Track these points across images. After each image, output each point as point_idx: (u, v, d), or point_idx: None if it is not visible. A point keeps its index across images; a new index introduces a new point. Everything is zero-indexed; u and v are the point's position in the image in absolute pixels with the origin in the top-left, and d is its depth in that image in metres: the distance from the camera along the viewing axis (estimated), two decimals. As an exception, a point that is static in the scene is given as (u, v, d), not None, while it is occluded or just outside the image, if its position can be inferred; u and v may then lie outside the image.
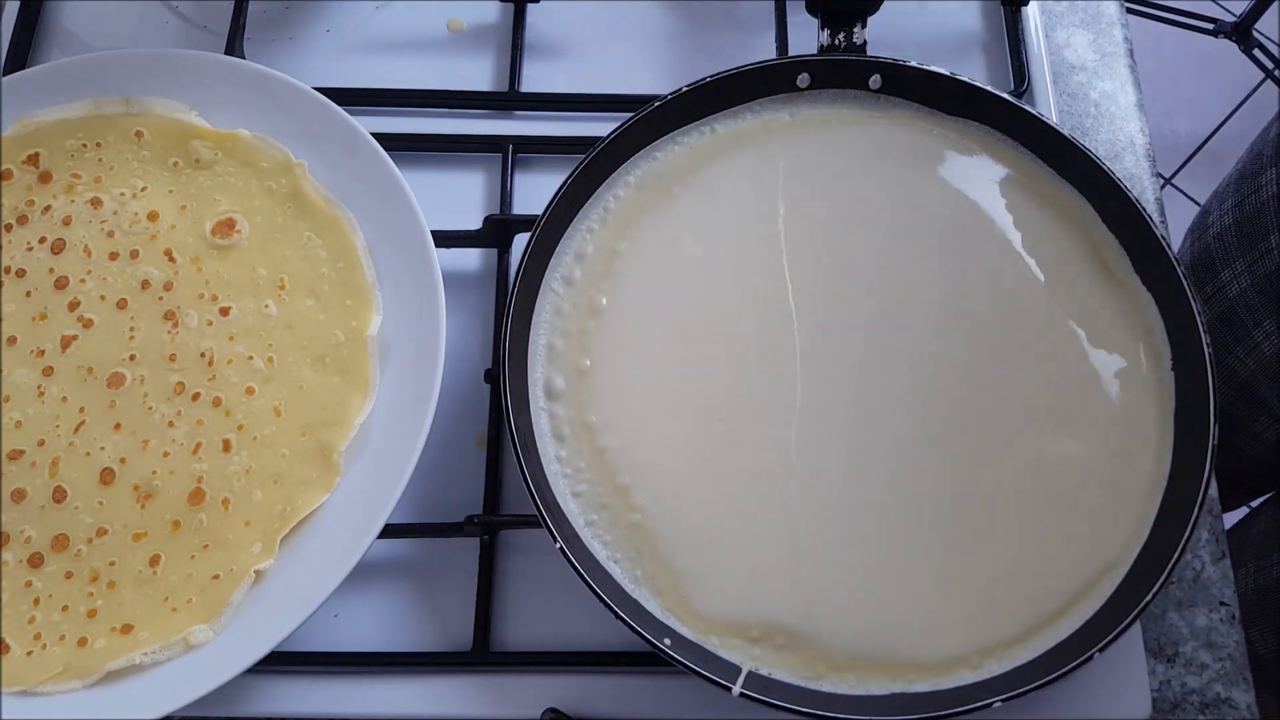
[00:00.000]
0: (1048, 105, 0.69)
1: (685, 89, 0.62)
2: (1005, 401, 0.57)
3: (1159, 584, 0.51)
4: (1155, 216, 0.69)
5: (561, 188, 0.60)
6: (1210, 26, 1.70)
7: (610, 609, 0.51)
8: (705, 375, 0.58)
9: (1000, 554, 0.55)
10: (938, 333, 0.59)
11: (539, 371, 0.58)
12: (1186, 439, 0.56)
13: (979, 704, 0.50)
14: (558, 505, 0.55)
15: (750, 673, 0.52)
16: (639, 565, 0.55)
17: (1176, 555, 0.52)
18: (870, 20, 0.65)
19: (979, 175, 0.62)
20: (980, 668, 0.53)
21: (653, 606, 0.54)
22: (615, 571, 0.55)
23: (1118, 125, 0.72)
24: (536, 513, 0.53)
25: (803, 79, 0.64)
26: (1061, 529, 0.55)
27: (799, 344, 0.58)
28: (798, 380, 0.58)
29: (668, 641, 0.52)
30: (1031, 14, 0.72)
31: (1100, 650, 0.50)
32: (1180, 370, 0.58)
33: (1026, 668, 0.52)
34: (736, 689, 0.50)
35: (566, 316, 0.60)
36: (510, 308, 0.57)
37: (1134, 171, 0.70)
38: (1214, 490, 0.62)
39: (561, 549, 0.52)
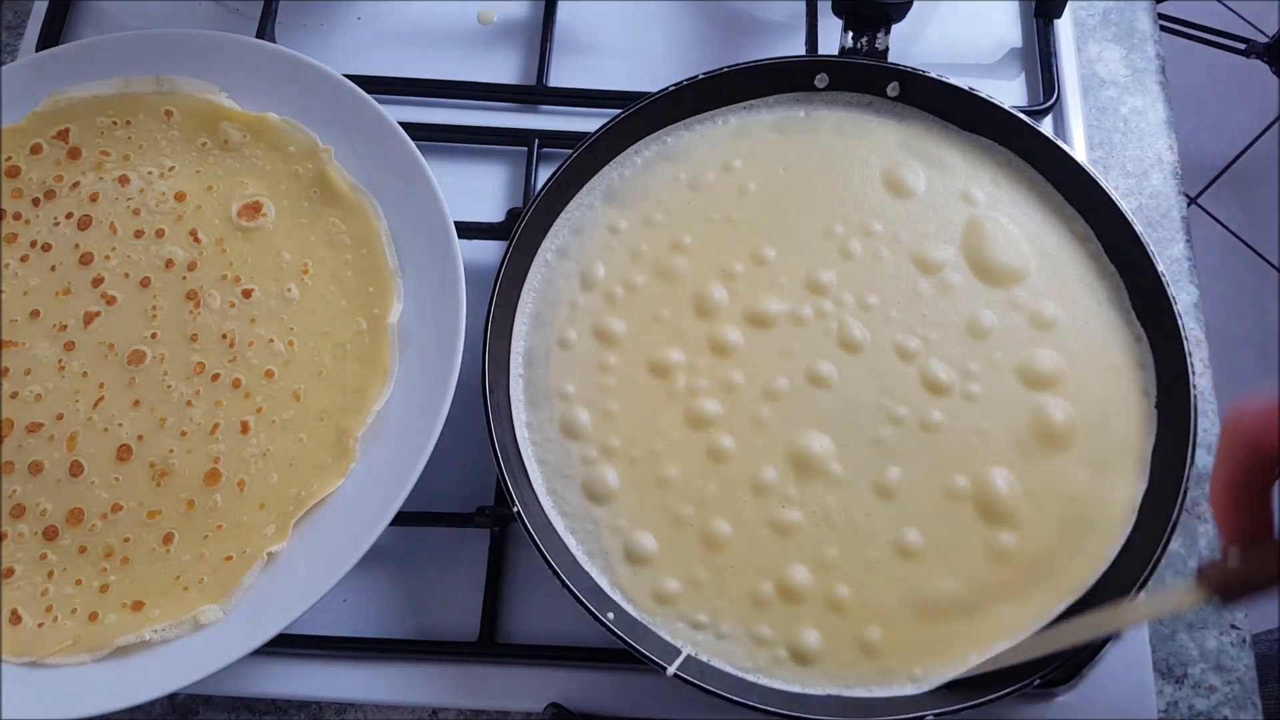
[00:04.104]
0: (1076, 119, 0.69)
1: (701, 76, 0.63)
2: (976, 430, 0.57)
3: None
4: (1180, 236, 0.68)
5: (567, 160, 0.60)
6: (1242, 47, 1.69)
7: (556, 574, 0.52)
8: (683, 360, 0.58)
9: (959, 576, 0.54)
10: (924, 346, 0.58)
11: (521, 340, 0.59)
12: (1159, 482, 0.55)
13: (913, 715, 0.50)
14: (524, 470, 0.56)
15: (689, 656, 0.52)
16: (595, 539, 0.55)
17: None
18: (905, 24, 0.64)
19: (986, 194, 0.62)
20: (920, 680, 0.53)
21: (603, 582, 0.55)
22: (571, 543, 0.55)
23: (1146, 142, 0.71)
24: (498, 473, 0.54)
25: (821, 79, 0.64)
26: (1027, 559, 0.54)
27: (779, 336, 0.59)
28: (774, 372, 0.58)
29: (610, 616, 0.52)
30: (1064, 27, 0.72)
31: (1042, 678, 0.50)
32: (1164, 409, 0.57)
33: (965, 686, 0.52)
34: (671, 669, 0.51)
35: (556, 287, 0.60)
36: (501, 272, 0.58)
37: (1161, 189, 0.70)
38: (1229, 513, 0.62)
39: (518, 513, 0.53)
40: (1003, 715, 0.54)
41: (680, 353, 0.58)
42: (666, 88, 0.62)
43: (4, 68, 0.63)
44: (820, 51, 0.68)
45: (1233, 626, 0.59)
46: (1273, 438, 0.36)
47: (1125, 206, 0.59)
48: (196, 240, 0.59)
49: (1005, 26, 0.73)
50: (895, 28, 0.64)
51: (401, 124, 0.61)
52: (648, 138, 0.64)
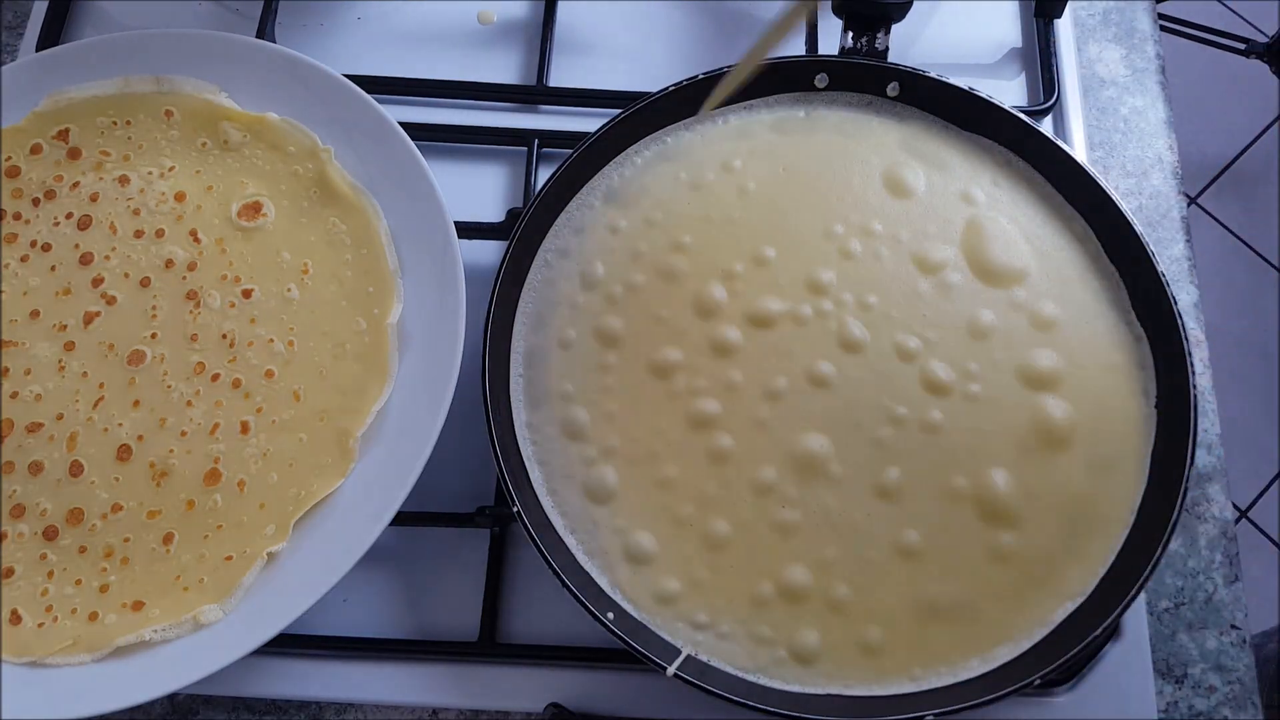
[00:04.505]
0: (1076, 119, 0.69)
1: (701, 76, 0.63)
2: (976, 430, 0.56)
3: (1101, 628, 0.51)
4: (1180, 236, 0.68)
5: (567, 160, 0.60)
6: (1242, 47, 1.69)
7: (556, 574, 0.52)
8: (683, 360, 0.58)
9: (959, 576, 0.54)
10: (924, 346, 0.58)
11: (521, 340, 0.59)
12: (1159, 483, 0.55)
13: (913, 714, 0.50)
14: (524, 470, 0.56)
15: (689, 656, 0.52)
16: (595, 539, 0.55)
17: (1125, 603, 0.52)
18: (905, 24, 0.64)
19: (986, 194, 0.62)
20: (919, 679, 0.53)
21: (603, 582, 0.54)
22: (571, 543, 0.55)
23: (1146, 142, 0.71)
24: (498, 473, 0.54)
25: (820, 79, 0.64)
26: (1027, 559, 0.54)
27: (779, 336, 0.58)
28: (774, 372, 0.57)
29: (610, 616, 0.52)
30: (1064, 27, 0.72)
31: (1042, 679, 0.50)
32: (1164, 409, 0.57)
33: (965, 685, 0.52)
34: (671, 669, 0.51)
35: (556, 287, 0.60)
36: (501, 272, 0.58)
37: (1161, 189, 0.70)
38: (1228, 513, 0.62)
39: (518, 513, 0.53)
40: (1003, 715, 0.54)
41: (680, 353, 0.58)
42: (666, 88, 0.62)
43: (4, 68, 0.63)
44: (820, 51, 0.68)
45: (1233, 626, 0.59)
46: None
47: (1125, 206, 0.59)
48: (196, 240, 0.59)
49: (1005, 26, 0.73)
50: (895, 28, 0.64)
51: (401, 124, 0.61)
52: (648, 138, 0.64)
